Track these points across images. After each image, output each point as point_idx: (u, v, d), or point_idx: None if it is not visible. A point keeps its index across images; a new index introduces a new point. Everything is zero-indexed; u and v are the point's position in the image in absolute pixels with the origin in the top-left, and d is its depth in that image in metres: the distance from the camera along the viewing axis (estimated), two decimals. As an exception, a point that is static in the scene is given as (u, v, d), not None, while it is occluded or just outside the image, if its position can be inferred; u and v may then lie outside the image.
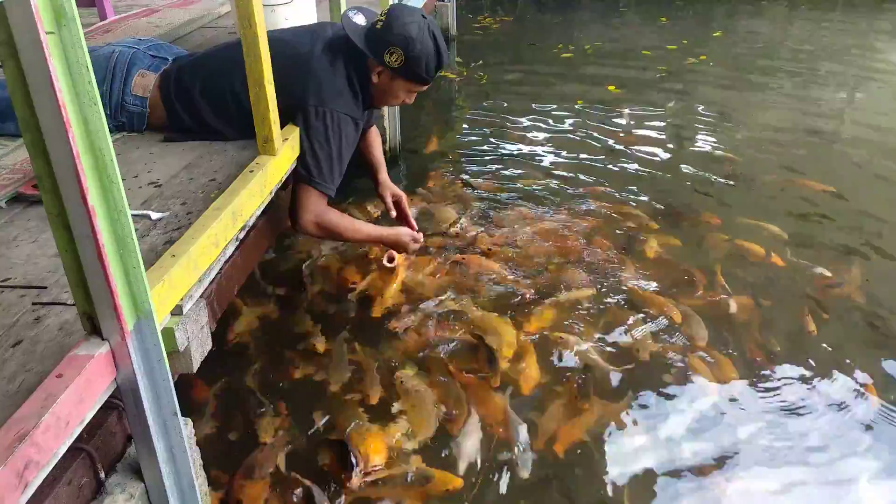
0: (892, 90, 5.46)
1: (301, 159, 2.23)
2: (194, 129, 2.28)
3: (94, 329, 1.18)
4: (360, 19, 2.35)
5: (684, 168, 3.93)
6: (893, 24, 7.80)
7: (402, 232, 2.66)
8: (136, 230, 1.67)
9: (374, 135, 2.92)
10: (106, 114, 2.20)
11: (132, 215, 1.72)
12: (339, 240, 2.74)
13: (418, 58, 2.29)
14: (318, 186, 2.24)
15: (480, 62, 6.33)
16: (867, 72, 5.92)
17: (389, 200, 2.84)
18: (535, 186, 3.67)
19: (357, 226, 2.48)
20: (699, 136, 4.42)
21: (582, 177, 3.80)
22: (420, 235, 2.73)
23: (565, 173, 3.85)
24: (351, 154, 2.35)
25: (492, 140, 4.44)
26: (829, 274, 2.88)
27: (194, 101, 2.26)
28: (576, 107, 5.01)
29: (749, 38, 7.22)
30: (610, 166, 3.96)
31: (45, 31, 0.98)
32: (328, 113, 2.21)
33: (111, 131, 2.22)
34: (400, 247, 2.68)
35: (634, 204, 3.46)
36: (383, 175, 2.88)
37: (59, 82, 1.00)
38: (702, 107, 5.00)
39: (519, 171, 3.88)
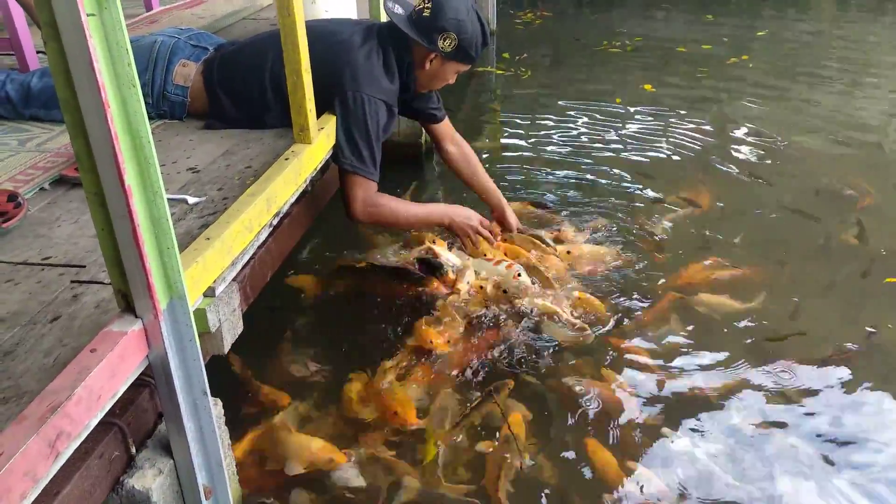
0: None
1: (341, 149, 2.23)
2: (234, 116, 2.32)
3: (128, 307, 1.21)
4: (399, 9, 2.37)
5: (719, 171, 3.84)
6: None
7: (459, 213, 2.51)
8: (173, 214, 1.72)
9: (470, 154, 2.82)
10: (148, 103, 2.28)
11: (170, 199, 1.76)
12: (393, 226, 2.63)
13: (470, 39, 2.34)
14: (363, 173, 2.24)
15: (525, 55, 6.30)
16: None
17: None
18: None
19: (409, 207, 2.46)
20: (735, 143, 4.30)
21: (618, 182, 3.74)
22: (486, 223, 2.58)
23: (596, 179, 3.78)
24: (384, 138, 2.36)
25: (530, 138, 4.40)
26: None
27: (235, 86, 2.32)
28: (619, 108, 4.95)
29: (795, 39, 7.04)
30: (639, 173, 3.84)
31: (87, 14, 1.00)
32: (365, 98, 2.21)
33: (152, 119, 2.30)
34: (456, 229, 2.52)
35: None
36: (508, 212, 2.78)
37: (99, 64, 1.03)
38: (741, 110, 4.87)
39: (556, 178, 3.72)
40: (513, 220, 2.79)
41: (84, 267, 1.54)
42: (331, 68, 2.21)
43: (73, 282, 1.48)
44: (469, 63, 2.45)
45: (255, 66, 2.29)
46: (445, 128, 2.79)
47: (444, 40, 2.31)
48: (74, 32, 1.00)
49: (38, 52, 2.88)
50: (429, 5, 2.32)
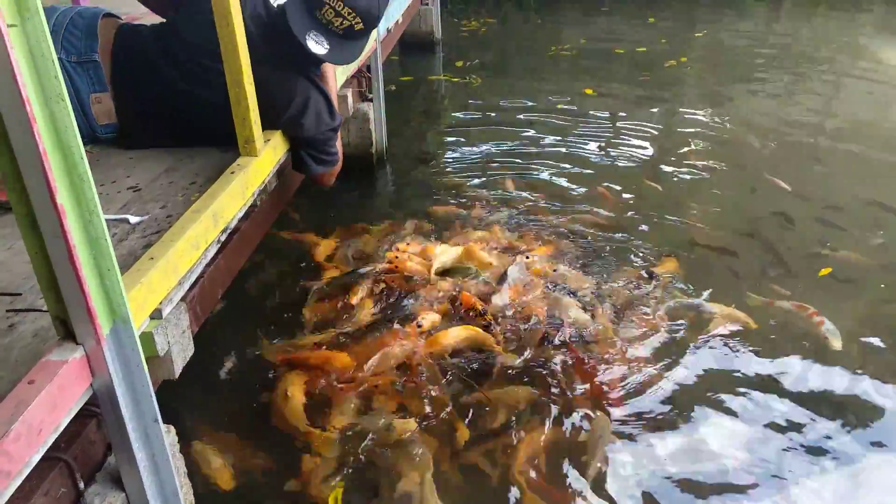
0: (876, 87, 5.45)
1: (308, 165, 2.36)
2: (170, 134, 2.20)
3: (67, 334, 1.14)
4: (323, 45, 2.16)
5: (660, 172, 3.89)
6: (877, 19, 7.83)
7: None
8: (115, 235, 1.65)
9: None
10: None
11: (110, 220, 1.70)
12: None
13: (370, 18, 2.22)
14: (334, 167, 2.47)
15: (475, 62, 6.32)
16: (851, 69, 5.91)
17: None
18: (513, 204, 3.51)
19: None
20: (674, 142, 4.38)
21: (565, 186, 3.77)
22: None
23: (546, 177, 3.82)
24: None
25: (479, 147, 4.41)
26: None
27: (161, 109, 2.15)
28: (559, 107, 5.00)
29: (732, 38, 7.21)
30: (580, 180, 3.88)
31: (7, 24, 0.94)
32: (323, 139, 2.33)
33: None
34: None
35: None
36: None
37: (24, 77, 0.97)
38: (680, 111, 4.95)
39: (499, 189, 3.72)
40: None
41: (20, 295, 1.45)
42: (274, 109, 2.17)
43: (8, 311, 1.40)
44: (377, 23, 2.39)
45: (167, 84, 2.13)
46: None
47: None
48: (-6, 44, 0.94)
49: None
50: (357, 20, 2.15)
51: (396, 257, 2.79)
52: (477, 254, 2.80)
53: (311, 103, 2.26)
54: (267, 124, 2.12)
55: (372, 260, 2.87)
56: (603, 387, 2.23)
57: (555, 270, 2.74)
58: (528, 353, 2.35)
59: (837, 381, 2.25)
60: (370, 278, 2.70)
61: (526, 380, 2.25)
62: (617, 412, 2.13)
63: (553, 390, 2.21)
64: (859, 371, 2.27)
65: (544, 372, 2.28)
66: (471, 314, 2.50)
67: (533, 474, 1.92)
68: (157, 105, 2.15)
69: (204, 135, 2.18)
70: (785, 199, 3.50)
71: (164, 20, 2.31)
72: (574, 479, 1.92)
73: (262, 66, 2.08)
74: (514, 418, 2.11)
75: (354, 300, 2.59)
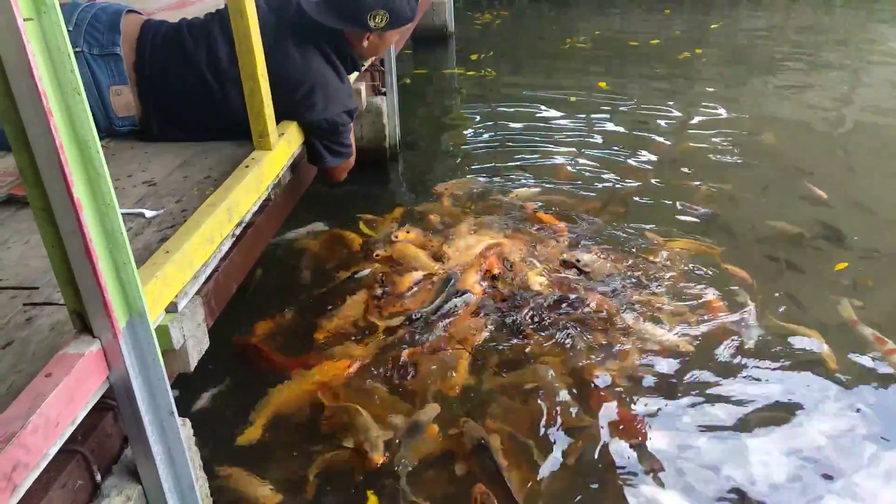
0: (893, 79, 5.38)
1: (322, 156, 2.34)
2: (191, 127, 2.20)
3: (84, 327, 1.15)
4: None
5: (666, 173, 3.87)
6: (894, 11, 7.72)
7: None
8: (130, 229, 1.66)
9: None
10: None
11: (126, 213, 1.70)
12: None
13: (401, 6, 2.26)
14: (347, 159, 2.44)
15: (489, 55, 6.30)
16: (871, 60, 5.83)
17: None
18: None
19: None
20: (689, 136, 4.34)
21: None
22: None
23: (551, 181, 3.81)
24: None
25: (492, 139, 4.40)
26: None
27: (181, 103, 2.16)
28: (572, 101, 4.97)
29: (748, 29, 7.13)
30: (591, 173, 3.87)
31: (24, 18, 0.95)
32: (336, 118, 2.28)
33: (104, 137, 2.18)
34: None
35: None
36: None
37: (39, 71, 0.97)
38: (695, 104, 4.90)
39: (513, 181, 3.73)
40: None
41: (37, 289, 1.46)
42: (287, 91, 2.15)
43: (25, 304, 1.41)
44: (409, 23, 2.38)
45: (198, 77, 2.13)
46: None
47: (375, 19, 2.24)
48: (11, 38, 0.94)
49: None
50: None
51: (396, 237, 2.96)
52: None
53: (325, 83, 2.25)
54: (282, 106, 2.12)
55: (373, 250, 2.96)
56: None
57: (577, 260, 2.76)
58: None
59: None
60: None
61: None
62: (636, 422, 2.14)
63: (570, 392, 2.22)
64: None
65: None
66: (490, 276, 2.73)
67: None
68: (180, 99, 2.15)
69: (224, 129, 2.18)
70: (802, 188, 3.47)
71: (202, 16, 2.30)
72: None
73: (284, 47, 2.14)
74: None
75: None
